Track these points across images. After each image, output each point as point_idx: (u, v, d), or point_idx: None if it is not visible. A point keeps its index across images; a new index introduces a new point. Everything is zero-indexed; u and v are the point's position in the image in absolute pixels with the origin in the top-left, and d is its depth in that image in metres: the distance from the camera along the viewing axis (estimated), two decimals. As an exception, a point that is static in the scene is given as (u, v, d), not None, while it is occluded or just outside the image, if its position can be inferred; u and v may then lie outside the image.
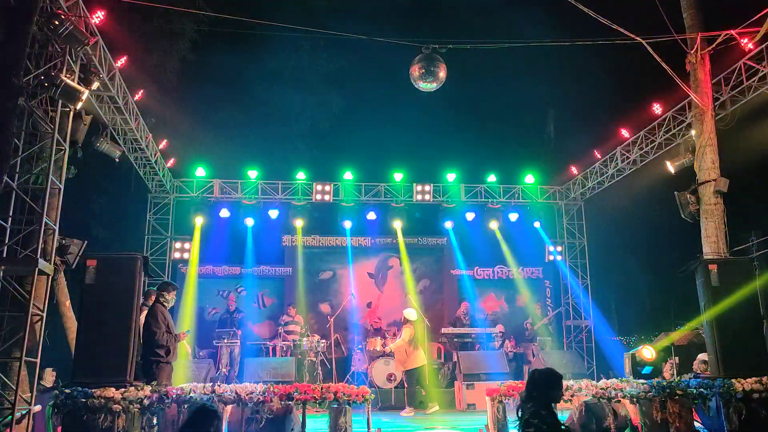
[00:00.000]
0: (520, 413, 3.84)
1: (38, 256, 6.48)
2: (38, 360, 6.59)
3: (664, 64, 8.36)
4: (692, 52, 8.71)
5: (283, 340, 11.77)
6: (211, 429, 3.80)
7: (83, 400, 5.78)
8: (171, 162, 12.96)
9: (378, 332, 12.08)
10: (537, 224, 14.64)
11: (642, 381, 6.66)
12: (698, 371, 7.65)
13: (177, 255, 13.58)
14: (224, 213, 13.58)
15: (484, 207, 14.34)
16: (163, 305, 7.21)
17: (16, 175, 6.74)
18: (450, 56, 7.62)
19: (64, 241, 7.65)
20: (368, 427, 6.56)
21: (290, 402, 6.23)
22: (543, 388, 3.82)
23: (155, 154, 12.03)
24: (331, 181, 13.83)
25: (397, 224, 14.04)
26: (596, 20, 7.73)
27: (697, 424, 6.68)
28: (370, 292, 14.50)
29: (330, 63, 19.18)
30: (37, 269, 6.43)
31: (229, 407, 6.31)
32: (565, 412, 7.05)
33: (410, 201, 14.02)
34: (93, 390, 5.85)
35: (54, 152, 6.87)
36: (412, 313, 10.25)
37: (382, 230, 14.54)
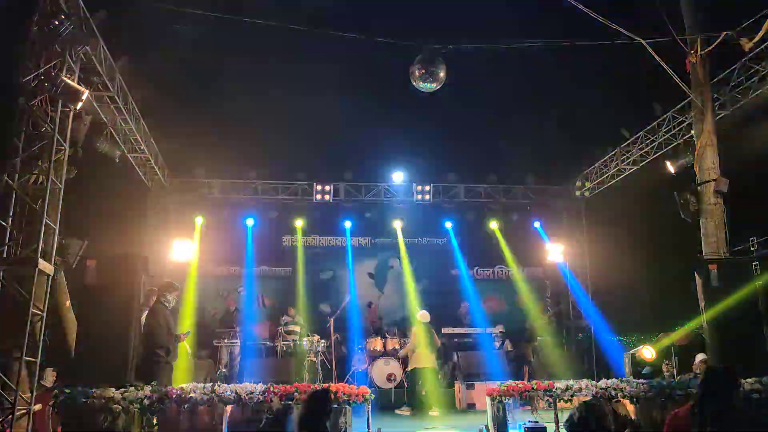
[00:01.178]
0: (700, 418, 3.61)
1: (38, 256, 6.48)
2: (38, 360, 6.58)
3: (663, 64, 8.35)
4: (692, 52, 8.70)
5: (283, 340, 11.77)
6: (327, 407, 4.07)
7: (83, 400, 5.78)
8: (171, 162, 12.94)
9: (378, 332, 12.09)
10: (537, 224, 14.65)
11: (642, 381, 6.67)
12: (698, 371, 7.65)
13: (177, 255, 13.57)
14: (224, 213, 13.57)
15: (484, 207, 14.32)
16: (164, 305, 7.22)
17: (16, 175, 6.73)
18: (450, 56, 7.61)
19: (64, 241, 7.64)
20: (368, 427, 6.56)
21: (290, 402, 6.23)
22: (725, 386, 3.65)
23: (155, 154, 12.02)
24: (331, 181, 13.83)
25: (397, 224, 14.03)
26: (596, 20, 7.71)
27: (697, 424, 6.67)
28: (370, 292, 14.50)
29: (330, 63, 19.16)
30: (37, 269, 6.42)
31: (229, 407, 6.31)
32: (565, 412, 7.04)
33: (410, 201, 14.03)
34: (93, 390, 5.85)
35: (54, 152, 6.86)
36: (421, 315, 10.50)
37: (382, 230, 14.53)
